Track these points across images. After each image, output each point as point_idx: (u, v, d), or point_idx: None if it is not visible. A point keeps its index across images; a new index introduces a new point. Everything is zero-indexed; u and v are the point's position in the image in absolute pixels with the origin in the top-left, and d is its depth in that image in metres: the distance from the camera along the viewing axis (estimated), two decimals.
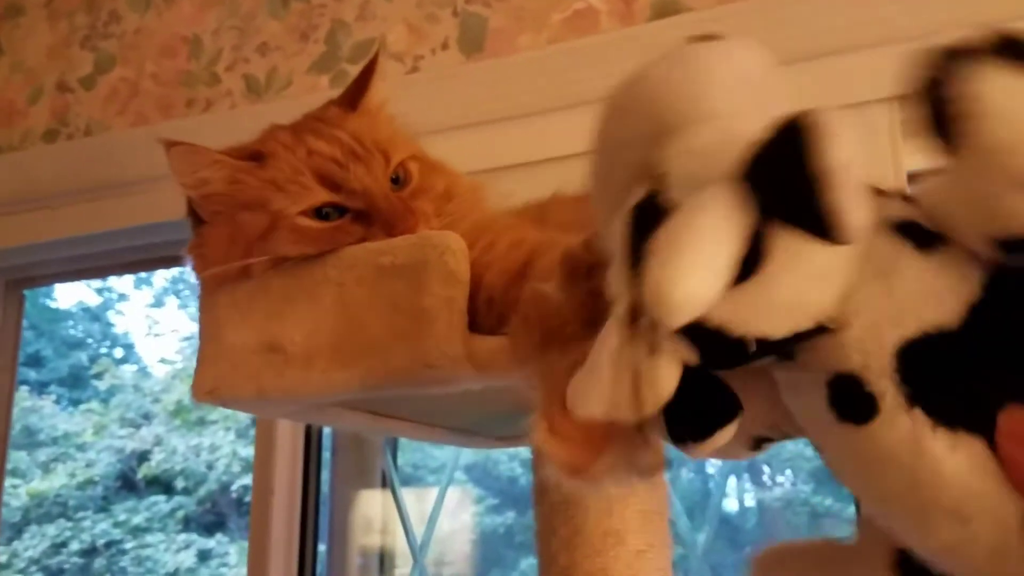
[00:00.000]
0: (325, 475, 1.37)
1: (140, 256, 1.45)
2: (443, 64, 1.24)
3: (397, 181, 0.73)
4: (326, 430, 1.37)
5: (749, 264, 0.35)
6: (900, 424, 0.34)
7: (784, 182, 0.34)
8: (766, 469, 2.83)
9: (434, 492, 1.40)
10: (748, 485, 2.96)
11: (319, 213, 0.68)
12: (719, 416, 0.38)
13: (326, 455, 1.39)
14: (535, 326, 0.57)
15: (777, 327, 0.36)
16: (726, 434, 0.38)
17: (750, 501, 2.94)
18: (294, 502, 1.30)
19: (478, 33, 1.23)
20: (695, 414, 0.38)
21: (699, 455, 0.39)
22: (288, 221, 0.67)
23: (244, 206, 0.68)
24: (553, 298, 0.53)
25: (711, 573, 1.22)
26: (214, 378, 0.68)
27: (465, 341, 0.63)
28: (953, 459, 0.33)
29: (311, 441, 1.35)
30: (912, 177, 1.00)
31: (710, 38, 0.42)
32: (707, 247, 0.34)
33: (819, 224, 0.33)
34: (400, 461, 2.40)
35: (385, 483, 1.36)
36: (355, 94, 0.76)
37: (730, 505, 2.86)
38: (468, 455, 2.82)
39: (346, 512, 1.34)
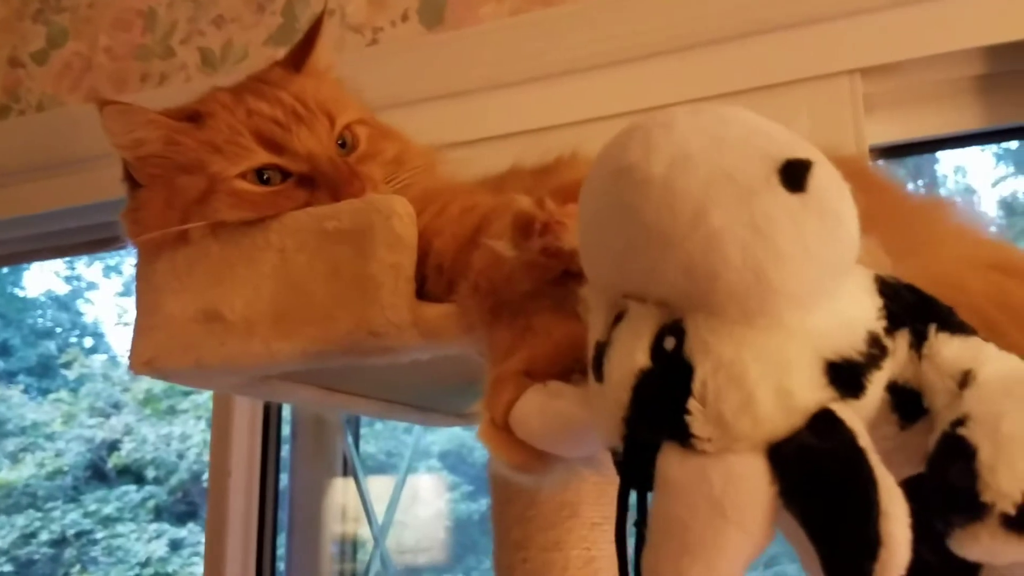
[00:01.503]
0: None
1: (96, 236, 1.42)
2: (403, 36, 1.22)
3: (344, 146, 0.70)
4: (285, 413, 1.34)
5: None
6: None
7: (823, 517, 0.34)
8: None
9: (407, 479, 1.38)
10: None
11: (260, 177, 0.66)
12: None
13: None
14: (486, 292, 0.55)
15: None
16: None
17: None
18: (252, 484, 1.27)
19: (439, 4, 1.20)
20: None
21: None
22: (226, 184, 0.65)
23: (181, 169, 0.66)
24: (505, 259, 0.51)
25: None
26: (152, 348, 0.66)
27: (412, 308, 0.61)
28: None
29: (269, 427, 1.32)
30: (874, 151, 0.99)
31: (800, 174, 0.35)
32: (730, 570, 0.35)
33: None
34: (373, 448, 2.39)
35: (347, 470, 1.34)
36: (300, 55, 0.74)
37: None
38: (442, 442, 2.80)
39: (306, 500, 1.32)
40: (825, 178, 0.35)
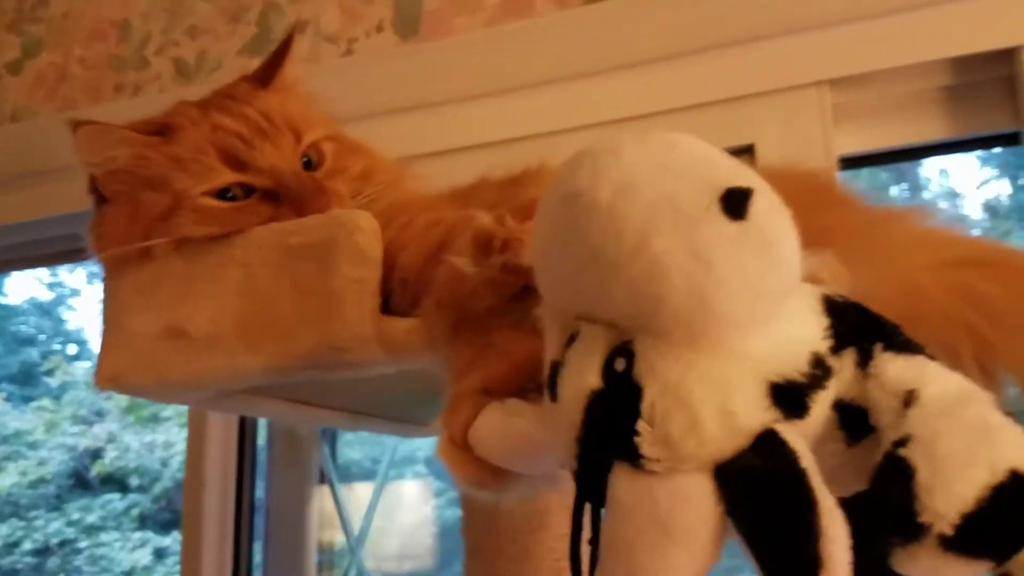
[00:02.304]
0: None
1: (71, 246, 1.41)
2: (378, 47, 1.22)
3: (309, 163, 0.71)
4: (261, 421, 1.34)
5: None
6: None
7: (765, 537, 0.34)
8: None
9: (390, 487, 1.38)
10: None
11: (224, 193, 0.66)
12: None
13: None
14: (448, 308, 0.56)
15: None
16: None
17: None
18: (228, 492, 1.27)
19: (413, 15, 1.21)
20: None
21: None
22: (190, 201, 0.65)
23: (146, 184, 0.66)
24: (467, 275, 0.52)
25: None
26: (116, 364, 0.66)
27: (376, 323, 0.61)
28: None
29: (245, 436, 1.32)
30: (843, 161, 1.00)
31: (740, 204, 0.36)
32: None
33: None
34: (357, 455, 2.38)
35: (324, 478, 1.34)
36: (268, 71, 0.74)
37: None
38: (428, 448, 2.79)
39: (283, 509, 1.31)
40: (764, 206, 0.36)
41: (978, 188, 2.24)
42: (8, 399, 4.35)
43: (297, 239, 0.64)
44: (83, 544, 3.89)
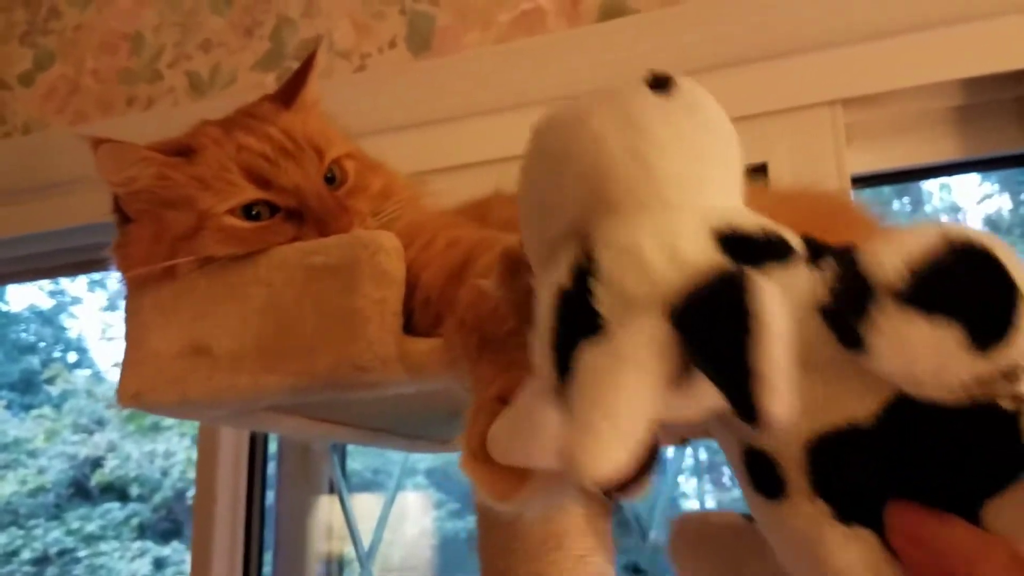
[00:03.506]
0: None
1: (80, 258, 1.41)
2: (390, 62, 1.23)
3: (332, 180, 0.71)
4: (272, 435, 1.34)
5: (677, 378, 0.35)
6: (804, 511, 0.34)
7: (711, 354, 0.33)
8: (726, 471, 2.85)
9: (394, 498, 1.38)
10: (708, 487, 2.98)
11: (248, 212, 0.66)
12: (642, 470, 0.38)
13: (272, 462, 1.36)
14: (471, 328, 0.56)
15: (696, 414, 0.37)
16: (647, 483, 0.39)
17: (711, 502, 2.95)
18: (238, 509, 1.27)
19: (426, 32, 1.21)
20: None
21: (621, 500, 0.40)
22: (215, 220, 0.65)
23: (170, 204, 0.66)
24: (491, 297, 0.52)
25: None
26: (138, 382, 0.66)
27: (398, 342, 0.62)
28: (846, 553, 0.33)
29: (256, 446, 1.32)
30: (855, 180, 1.00)
31: (664, 82, 0.40)
32: (632, 413, 0.33)
33: (746, 412, 0.32)
34: (360, 466, 2.38)
35: (333, 488, 1.34)
36: (291, 90, 0.74)
37: (691, 506, 2.86)
38: (428, 459, 2.79)
39: (292, 519, 1.31)
40: (688, 83, 0.40)
41: (979, 203, 2.25)
42: (8, 407, 4.34)
43: (320, 259, 0.64)
44: (82, 553, 3.88)
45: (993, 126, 1.01)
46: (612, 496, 0.39)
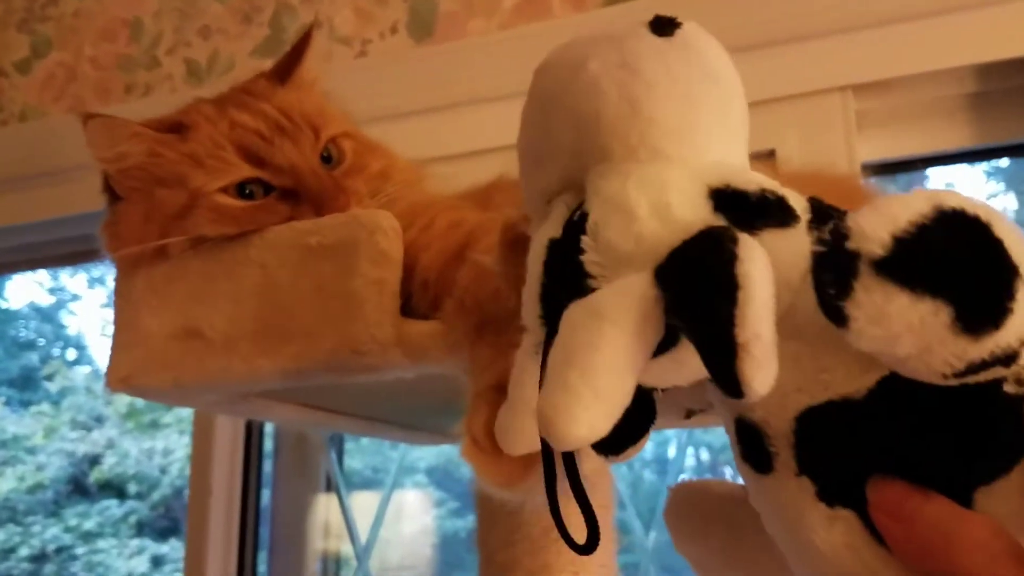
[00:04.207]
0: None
1: (77, 247, 1.40)
2: (392, 49, 1.21)
3: (329, 160, 0.69)
4: (268, 428, 1.32)
5: (663, 345, 0.33)
6: (789, 487, 0.33)
7: (696, 317, 0.31)
8: (727, 471, 2.83)
9: (393, 495, 1.36)
10: None
11: (241, 191, 0.64)
12: (635, 431, 0.38)
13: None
14: (471, 309, 0.54)
15: (686, 380, 0.36)
16: (642, 444, 0.38)
17: None
18: (233, 507, 1.25)
19: (428, 17, 1.20)
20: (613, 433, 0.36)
21: (616, 462, 0.39)
22: (207, 199, 0.63)
23: (161, 182, 0.64)
24: (491, 277, 0.50)
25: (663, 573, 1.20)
26: (129, 365, 0.64)
27: (396, 325, 0.60)
28: (829, 534, 0.32)
29: (252, 442, 1.30)
30: (866, 168, 0.99)
31: (667, 25, 0.38)
32: (610, 373, 0.32)
33: (724, 380, 0.30)
34: (359, 464, 2.36)
35: (330, 486, 1.32)
36: (286, 67, 0.73)
37: None
38: (429, 458, 2.78)
39: (289, 517, 1.30)
40: (692, 27, 0.39)
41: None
42: (7, 403, 4.34)
43: (316, 239, 0.62)
44: (80, 551, 3.87)
45: (1007, 114, 0.99)
46: (606, 457, 0.37)
